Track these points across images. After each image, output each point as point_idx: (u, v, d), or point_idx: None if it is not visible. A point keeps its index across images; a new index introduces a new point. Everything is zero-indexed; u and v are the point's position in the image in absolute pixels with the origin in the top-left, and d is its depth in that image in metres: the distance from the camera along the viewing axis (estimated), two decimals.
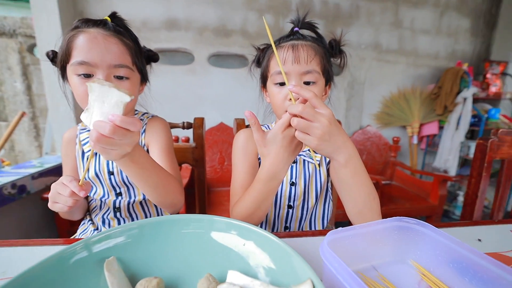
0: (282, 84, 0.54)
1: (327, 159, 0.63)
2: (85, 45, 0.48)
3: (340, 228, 0.35)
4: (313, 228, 0.65)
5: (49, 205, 0.46)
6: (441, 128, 2.07)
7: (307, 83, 0.53)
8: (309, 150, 0.63)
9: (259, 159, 0.63)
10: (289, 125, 0.41)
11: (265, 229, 0.59)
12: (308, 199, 0.63)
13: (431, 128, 2.07)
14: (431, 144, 2.14)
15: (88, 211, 0.65)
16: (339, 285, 0.29)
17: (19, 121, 1.74)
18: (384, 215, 0.41)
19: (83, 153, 0.62)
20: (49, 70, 1.62)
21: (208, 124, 1.81)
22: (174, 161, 0.62)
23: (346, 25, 1.88)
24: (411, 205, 1.56)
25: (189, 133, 1.73)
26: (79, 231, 0.63)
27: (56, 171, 1.50)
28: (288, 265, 0.29)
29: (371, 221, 0.38)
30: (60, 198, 0.44)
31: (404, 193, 1.73)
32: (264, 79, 0.61)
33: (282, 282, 0.29)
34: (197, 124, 0.81)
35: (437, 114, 2.01)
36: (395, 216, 0.40)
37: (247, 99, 1.81)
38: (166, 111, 1.31)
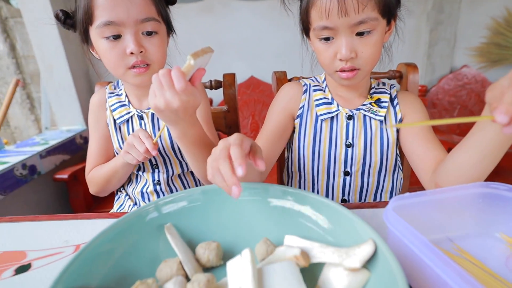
0: (329, 38, 0.59)
1: (398, 116, 0.68)
2: (108, 2, 0.58)
3: (407, 194, 0.43)
4: None
5: (122, 154, 0.66)
6: None
7: (360, 33, 0.56)
8: (370, 103, 0.69)
9: (296, 118, 0.71)
10: None
11: None
12: (370, 163, 0.70)
13: None
14: None
15: (122, 186, 0.82)
16: (408, 253, 0.37)
17: (14, 91, 2.04)
18: None
19: (114, 120, 0.76)
20: (35, 25, 1.81)
21: None
22: (214, 131, 0.74)
23: None
24: None
25: (216, 94, 1.83)
26: (115, 206, 0.81)
27: (63, 148, 1.78)
28: (347, 228, 0.39)
29: (448, 186, 0.45)
30: (134, 151, 0.63)
31: None
32: (305, 28, 0.65)
33: (342, 244, 0.39)
34: (228, 82, 0.91)
35: None
36: None
37: (283, 43, 1.82)
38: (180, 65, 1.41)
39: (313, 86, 0.73)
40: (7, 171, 1.42)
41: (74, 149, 1.86)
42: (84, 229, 0.56)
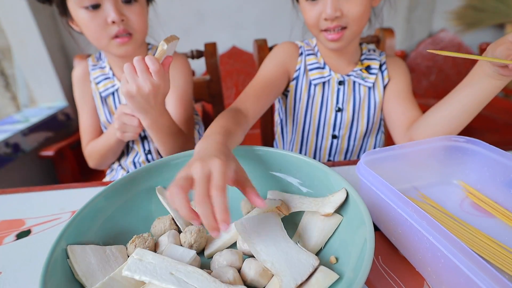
0: None
1: (385, 80, 0.71)
2: None
3: (378, 149, 0.47)
4: None
5: (119, 135, 0.64)
6: None
7: None
8: (360, 69, 0.71)
9: (292, 80, 0.72)
10: None
11: None
12: (357, 127, 0.74)
13: None
14: None
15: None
16: (377, 199, 0.42)
17: None
18: None
19: (100, 93, 0.76)
20: None
21: None
22: (188, 110, 0.74)
23: None
24: (500, 137, 1.58)
25: (198, 64, 1.80)
26: (108, 177, 0.83)
27: (46, 126, 1.75)
28: (323, 181, 0.43)
29: (414, 141, 0.49)
30: (129, 127, 0.62)
31: (490, 123, 1.74)
32: None
33: (319, 195, 0.43)
34: (209, 52, 0.91)
35: None
36: None
37: (266, 9, 1.79)
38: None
39: (307, 50, 0.74)
40: None
41: (57, 126, 1.83)
42: (79, 198, 0.58)
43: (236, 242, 0.41)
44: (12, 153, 1.56)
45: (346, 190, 0.39)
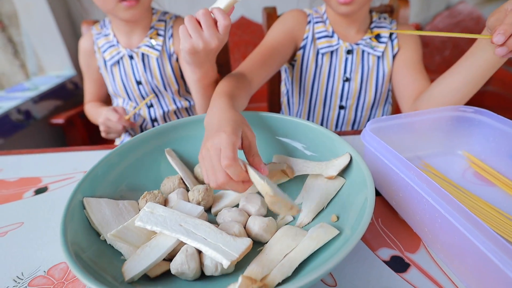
0: None
1: (395, 50, 0.69)
2: None
3: (384, 117, 0.47)
4: None
5: (103, 135, 0.69)
6: None
7: None
8: (370, 38, 0.70)
9: (300, 49, 0.72)
10: None
11: None
12: (364, 98, 0.74)
13: None
14: None
15: None
16: (380, 165, 0.43)
17: None
18: None
19: (105, 61, 0.77)
20: None
21: None
22: None
23: None
24: None
25: None
26: (117, 142, 0.85)
27: (55, 95, 1.77)
28: (328, 145, 0.44)
29: (422, 110, 0.49)
30: (113, 130, 0.67)
31: (504, 102, 1.71)
32: None
33: (323, 160, 0.44)
34: None
35: None
36: None
37: None
38: (166, 7, 1.34)
39: (315, 17, 0.72)
40: (4, 116, 1.44)
41: (66, 94, 1.85)
42: (91, 159, 0.60)
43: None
44: (24, 120, 1.59)
45: (350, 154, 0.40)
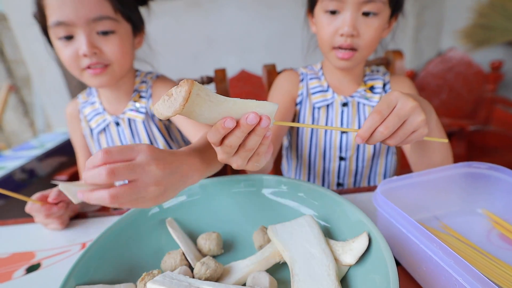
0: (335, 12, 0.59)
1: None
2: (56, 1, 0.55)
3: (395, 177, 0.45)
4: None
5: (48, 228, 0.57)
6: None
7: (366, 13, 0.58)
8: (364, 90, 0.71)
9: (296, 105, 0.73)
10: None
11: None
12: (364, 149, 0.73)
13: None
14: None
15: None
16: (396, 232, 0.40)
17: (7, 96, 2.02)
18: None
19: (91, 130, 0.75)
20: (22, 27, 1.79)
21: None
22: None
23: None
24: None
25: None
26: None
27: (61, 151, 1.78)
28: (338, 212, 0.41)
29: (433, 168, 0.47)
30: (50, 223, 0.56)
31: (507, 141, 1.69)
32: (312, 2, 0.65)
33: (334, 228, 0.41)
34: (219, 78, 0.91)
35: None
36: None
37: (273, 34, 1.82)
38: (172, 64, 1.39)
39: (309, 74, 0.74)
40: (7, 176, 1.43)
41: (71, 151, 1.85)
42: (89, 228, 0.57)
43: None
44: (27, 179, 1.58)
45: (368, 234, 0.37)
